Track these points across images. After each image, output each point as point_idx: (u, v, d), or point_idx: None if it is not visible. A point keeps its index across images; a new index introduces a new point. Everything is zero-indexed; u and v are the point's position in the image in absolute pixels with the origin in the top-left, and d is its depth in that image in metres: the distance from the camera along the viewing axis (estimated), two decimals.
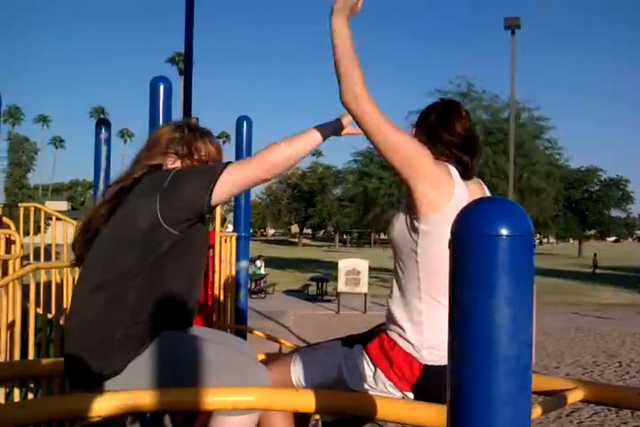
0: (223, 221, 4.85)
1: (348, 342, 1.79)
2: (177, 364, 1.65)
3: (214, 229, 4.05)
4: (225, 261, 4.07)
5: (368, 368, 1.68)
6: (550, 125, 24.07)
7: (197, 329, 1.91)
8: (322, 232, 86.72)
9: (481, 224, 0.85)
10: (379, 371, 1.65)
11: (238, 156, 4.53)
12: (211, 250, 4.09)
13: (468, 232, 0.85)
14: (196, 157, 1.83)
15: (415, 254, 1.61)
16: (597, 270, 33.81)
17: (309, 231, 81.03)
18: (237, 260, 4.22)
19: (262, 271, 21.21)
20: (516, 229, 0.84)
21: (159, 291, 1.66)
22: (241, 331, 4.14)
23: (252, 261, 21.31)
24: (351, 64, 1.57)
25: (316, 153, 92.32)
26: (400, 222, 1.66)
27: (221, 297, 4.08)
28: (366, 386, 1.67)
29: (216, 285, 4.01)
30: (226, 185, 1.63)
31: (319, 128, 1.76)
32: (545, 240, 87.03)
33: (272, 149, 1.68)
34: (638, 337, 11.93)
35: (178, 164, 1.81)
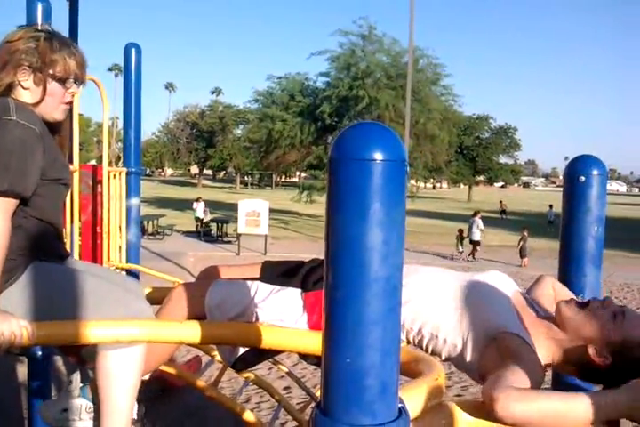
0: (118, 159, 4.63)
1: (278, 279, 1.77)
2: (54, 297, 1.58)
3: (101, 163, 3.86)
4: (114, 197, 3.91)
5: (295, 312, 1.66)
6: (446, 73, 24.62)
7: (77, 262, 1.83)
8: (222, 173, 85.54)
9: (355, 148, 0.85)
10: (305, 316, 1.65)
11: (127, 87, 4.29)
12: (99, 186, 3.91)
13: (343, 156, 0.85)
14: (50, 71, 1.64)
15: None
16: (483, 214, 35.82)
17: (210, 172, 79.63)
18: (128, 196, 4.06)
19: (200, 215, 20.65)
20: (389, 154, 0.85)
21: (23, 220, 1.56)
22: (132, 270, 4.05)
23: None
24: None
25: (216, 91, 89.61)
26: None
27: (111, 235, 3.94)
28: (281, 324, 1.66)
29: (105, 222, 3.86)
30: None
31: None
32: (438, 185, 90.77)
33: None
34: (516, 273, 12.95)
35: (31, 80, 1.63)
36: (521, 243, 15.91)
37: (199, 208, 20.85)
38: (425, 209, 36.88)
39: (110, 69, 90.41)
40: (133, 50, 4.23)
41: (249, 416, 2.89)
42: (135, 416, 1.96)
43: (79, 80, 1.72)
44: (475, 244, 16.81)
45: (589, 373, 1.46)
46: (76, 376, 1.89)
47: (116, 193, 3.95)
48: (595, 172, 1.63)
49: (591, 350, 1.43)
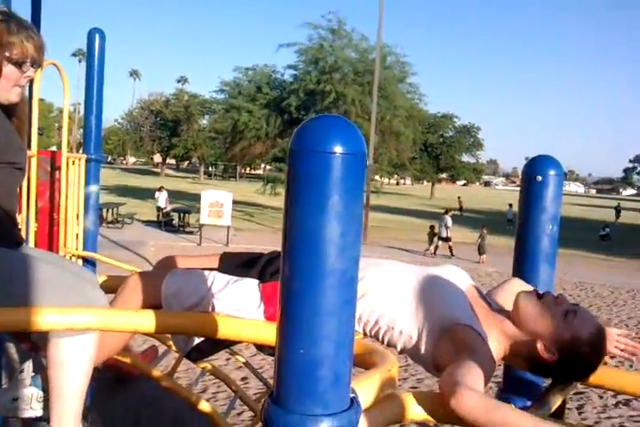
0: (80, 145, 4.53)
1: (236, 270, 1.76)
2: (6, 283, 1.55)
3: (60, 149, 3.78)
4: (73, 184, 3.83)
5: (252, 302, 1.66)
6: (413, 71, 24.82)
7: (32, 250, 1.80)
8: (186, 163, 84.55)
9: (316, 141, 0.85)
10: (262, 307, 1.65)
11: (89, 73, 4.19)
12: (57, 172, 3.82)
13: (303, 148, 0.85)
14: (7, 54, 1.59)
15: None
16: (453, 212, 36.42)
17: (173, 162, 78.61)
18: (87, 183, 3.98)
19: (161, 204, 20.29)
20: (349, 147, 0.85)
21: None
22: (89, 258, 3.98)
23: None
24: None
25: (182, 80, 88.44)
26: None
27: (68, 222, 3.86)
28: (238, 314, 1.65)
29: (62, 209, 3.78)
30: None
31: None
32: (402, 181, 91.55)
33: None
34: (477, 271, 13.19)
35: None
36: (479, 240, 16.22)
37: (161, 197, 20.56)
38: (390, 205, 37.21)
39: (74, 55, 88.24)
40: (97, 35, 4.13)
41: (204, 406, 2.88)
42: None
43: (36, 64, 1.68)
44: (444, 240, 17.14)
45: (538, 367, 1.50)
46: (29, 365, 1.86)
47: (74, 180, 3.87)
48: (552, 172, 1.66)
49: (539, 346, 1.47)
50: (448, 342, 1.49)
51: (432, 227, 17.54)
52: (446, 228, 17.22)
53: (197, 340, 1.73)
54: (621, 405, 5.82)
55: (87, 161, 4.02)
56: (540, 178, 1.65)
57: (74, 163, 3.89)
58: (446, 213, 17.96)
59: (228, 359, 5.88)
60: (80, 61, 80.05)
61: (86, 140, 4.13)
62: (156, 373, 2.82)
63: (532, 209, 1.68)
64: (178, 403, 3.57)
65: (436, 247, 17.06)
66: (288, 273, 0.88)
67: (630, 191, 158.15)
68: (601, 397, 6.02)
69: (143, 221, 20.42)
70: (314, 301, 0.86)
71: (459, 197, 38.74)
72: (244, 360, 3.55)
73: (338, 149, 0.84)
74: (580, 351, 1.44)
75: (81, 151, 4.18)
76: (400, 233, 22.30)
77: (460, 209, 36.88)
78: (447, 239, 17.19)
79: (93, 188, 4.10)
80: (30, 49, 1.63)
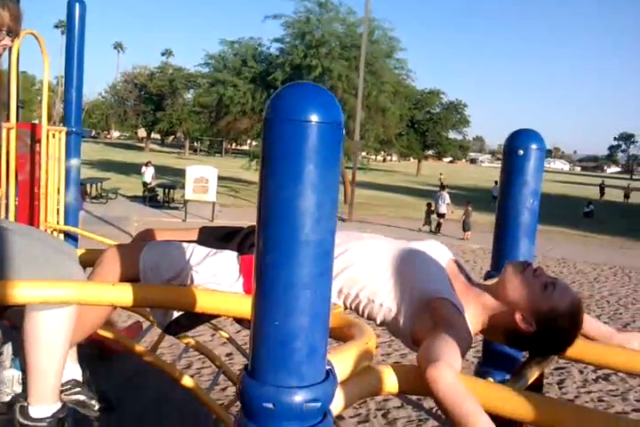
0: (63, 118, 4.45)
1: (215, 243, 1.74)
2: None
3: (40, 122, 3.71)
4: (53, 157, 3.77)
5: (231, 275, 1.64)
6: (401, 47, 24.56)
7: (9, 223, 1.76)
8: (171, 138, 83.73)
9: (291, 109, 0.82)
10: (241, 280, 1.63)
11: (69, 44, 4.10)
12: (37, 145, 3.76)
13: (278, 117, 0.83)
14: None
15: None
16: (428, 188, 36.57)
17: (158, 137, 77.78)
18: (67, 157, 3.93)
19: (148, 179, 20.09)
20: (325, 116, 0.83)
21: None
22: (70, 233, 3.95)
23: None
24: None
25: (167, 53, 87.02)
26: None
27: (49, 197, 3.82)
28: (217, 287, 1.64)
29: (43, 183, 3.73)
30: None
31: None
32: (389, 158, 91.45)
33: None
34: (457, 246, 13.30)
35: None
36: (464, 217, 16.33)
37: (148, 173, 20.37)
38: (376, 182, 37.24)
39: (57, 26, 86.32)
40: (77, 5, 4.05)
41: (187, 381, 2.89)
42: (79, 378, 1.94)
43: (12, 33, 1.64)
44: (441, 217, 17.30)
45: (516, 339, 1.51)
46: (8, 347, 1.84)
47: (54, 153, 3.81)
48: (533, 146, 1.65)
49: (518, 316, 1.48)
50: (426, 315, 1.50)
51: (429, 204, 17.68)
52: (446, 204, 17.34)
53: (176, 313, 1.72)
54: (601, 380, 5.94)
55: (68, 134, 3.97)
56: (521, 152, 1.64)
57: (54, 136, 3.83)
58: (443, 189, 18.09)
59: (213, 335, 5.90)
60: (63, 33, 78.25)
61: (67, 112, 4.07)
62: (140, 348, 2.81)
63: (513, 183, 1.67)
64: (162, 379, 3.59)
65: (439, 224, 17.26)
66: (262, 245, 0.86)
67: (615, 169, 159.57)
68: (581, 372, 6.14)
69: (128, 197, 20.26)
70: (289, 272, 0.85)
71: (440, 175, 38.93)
72: (227, 336, 3.56)
73: (314, 117, 0.82)
74: (557, 323, 1.45)
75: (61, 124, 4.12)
76: (388, 210, 22.36)
77: (441, 186, 37.19)
78: (443, 216, 17.37)
79: (74, 161, 4.05)
80: (6, 17, 1.59)
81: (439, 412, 4.94)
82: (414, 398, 5.10)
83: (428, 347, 1.25)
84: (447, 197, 17.75)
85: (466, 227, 16.17)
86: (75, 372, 1.93)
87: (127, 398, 4.21)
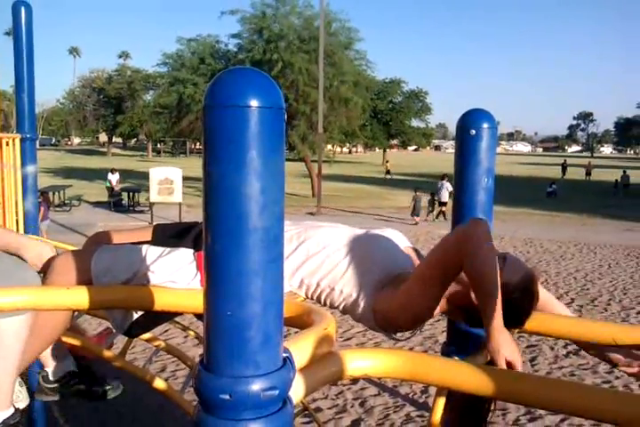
0: None
1: (169, 240, 1.71)
2: None
3: None
4: (7, 165, 3.67)
5: (188, 272, 1.62)
6: (360, 37, 24.60)
7: None
8: (133, 141, 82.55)
9: (230, 94, 0.81)
10: (198, 276, 1.61)
11: (17, 49, 3.99)
12: None
13: (217, 103, 0.82)
14: None
15: None
16: (395, 177, 37.05)
17: (120, 140, 76.59)
18: (23, 164, 3.83)
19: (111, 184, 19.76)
20: (266, 100, 0.82)
21: None
22: None
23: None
24: None
25: (123, 55, 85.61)
26: None
27: (7, 206, 3.72)
28: (175, 286, 1.61)
29: None
30: None
31: None
32: (354, 149, 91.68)
33: None
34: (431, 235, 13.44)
35: None
36: (413, 202, 16.78)
37: (114, 180, 20.10)
38: (343, 173, 37.30)
39: (7, 33, 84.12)
40: (23, 8, 3.93)
41: (159, 384, 2.85)
42: (75, 369, 1.93)
43: None
44: (443, 205, 17.60)
45: (475, 318, 1.53)
46: None
47: (9, 161, 3.71)
48: (485, 125, 1.66)
49: (473, 294, 1.49)
50: (388, 288, 1.52)
51: (432, 194, 18.11)
52: (448, 192, 17.56)
53: (136, 315, 1.69)
54: (572, 355, 6.07)
55: (22, 141, 3.86)
56: (473, 132, 1.64)
57: (7, 144, 3.73)
58: (443, 178, 18.32)
59: (185, 337, 5.86)
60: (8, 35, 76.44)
61: (20, 118, 3.96)
62: (108, 353, 2.76)
63: (467, 163, 1.68)
64: (136, 383, 3.54)
65: (441, 212, 17.62)
66: (210, 235, 0.85)
67: (575, 148, 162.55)
68: (552, 348, 6.26)
69: (92, 203, 19.94)
70: (238, 260, 0.84)
71: (387, 161, 39.68)
72: (195, 335, 3.53)
73: (254, 102, 0.81)
74: (511, 297, 1.47)
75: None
76: (357, 201, 22.41)
77: (388, 173, 37.97)
78: (444, 204, 17.68)
79: (31, 168, 3.95)
80: None
81: (415, 397, 4.99)
82: (390, 385, 5.14)
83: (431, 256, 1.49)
84: (449, 185, 18.05)
85: (414, 212, 16.64)
86: (69, 365, 1.93)
87: (102, 405, 4.15)
